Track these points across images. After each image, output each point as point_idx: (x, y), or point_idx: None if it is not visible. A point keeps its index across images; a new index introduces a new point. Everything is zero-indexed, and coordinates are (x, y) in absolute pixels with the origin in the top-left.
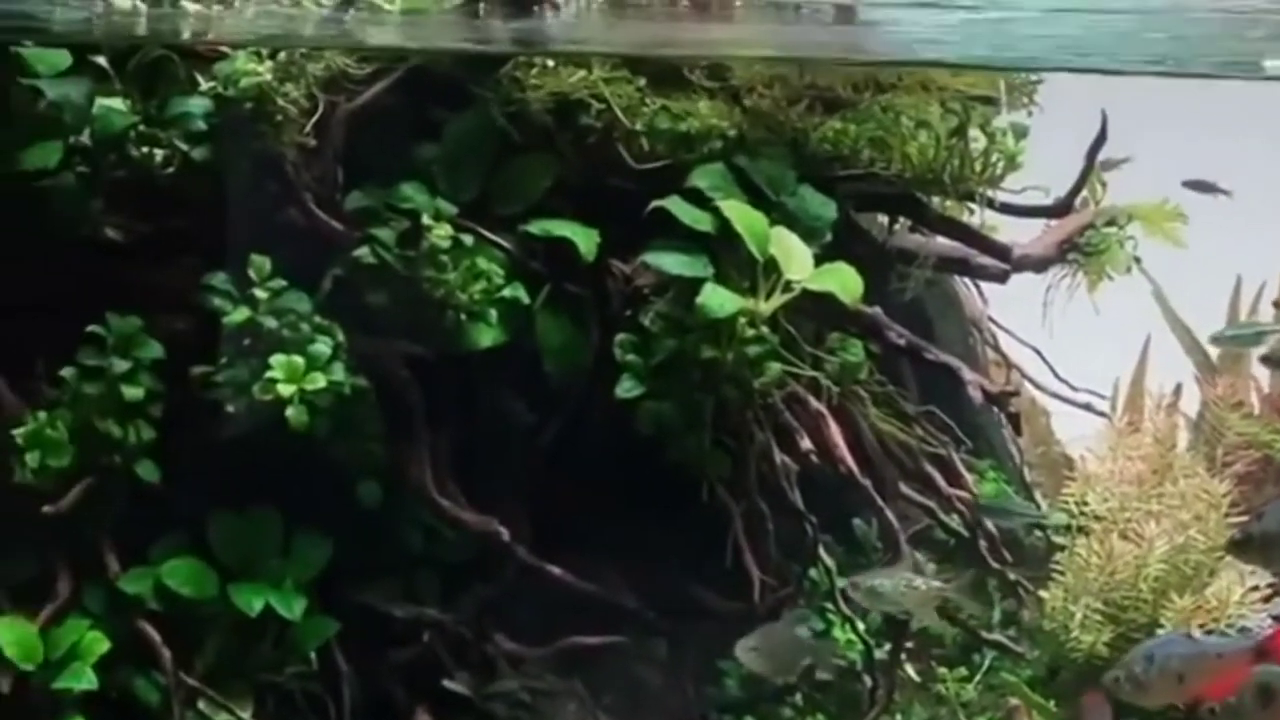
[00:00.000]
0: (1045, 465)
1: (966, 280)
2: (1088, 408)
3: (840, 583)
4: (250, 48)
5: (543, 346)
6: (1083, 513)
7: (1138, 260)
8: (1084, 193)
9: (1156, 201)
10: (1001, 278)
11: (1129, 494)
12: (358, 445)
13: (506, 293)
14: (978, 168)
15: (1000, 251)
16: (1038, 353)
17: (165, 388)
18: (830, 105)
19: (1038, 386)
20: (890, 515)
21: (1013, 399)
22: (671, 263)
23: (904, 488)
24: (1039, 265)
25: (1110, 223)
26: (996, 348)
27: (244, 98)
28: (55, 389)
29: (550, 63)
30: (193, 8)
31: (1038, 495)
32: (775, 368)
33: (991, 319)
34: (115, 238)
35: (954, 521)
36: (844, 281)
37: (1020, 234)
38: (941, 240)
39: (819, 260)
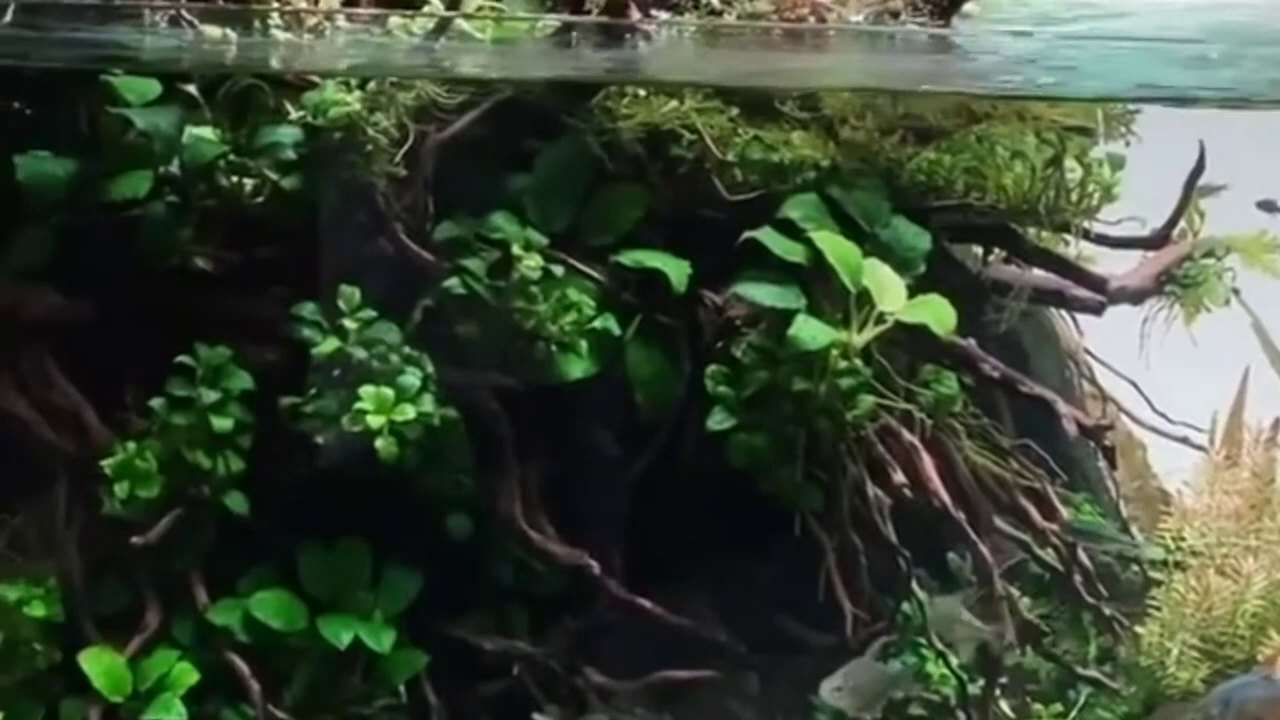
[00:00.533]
0: (1141, 499)
1: (1062, 312)
2: (1185, 441)
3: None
4: (340, 77)
5: (633, 378)
6: (1179, 548)
7: (1236, 292)
8: (1182, 224)
9: (1255, 233)
10: (1097, 310)
11: (1226, 529)
12: (447, 477)
13: (597, 324)
14: (1073, 199)
15: (1096, 283)
16: (1134, 385)
17: (254, 419)
18: (924, 135)
19: (1134, 419)
20: (984, 549)
21: (1108, 432)
22: (763, 294)
23: (998, 521)
24: (1136, 297)
25: (1208, 254)
26: (1093, 380)
27: (333, 127)
28: (144, 419)
29: (641, 92)
30: (283, 36)
31: (1134, 529)
32: (868, 400)
33: (1088, 351)
34: (205, 267)
35: (1049, 555)
36: (937, 313)
37: (1117, 265)
38: (1037, 272)
39: (913, 291)
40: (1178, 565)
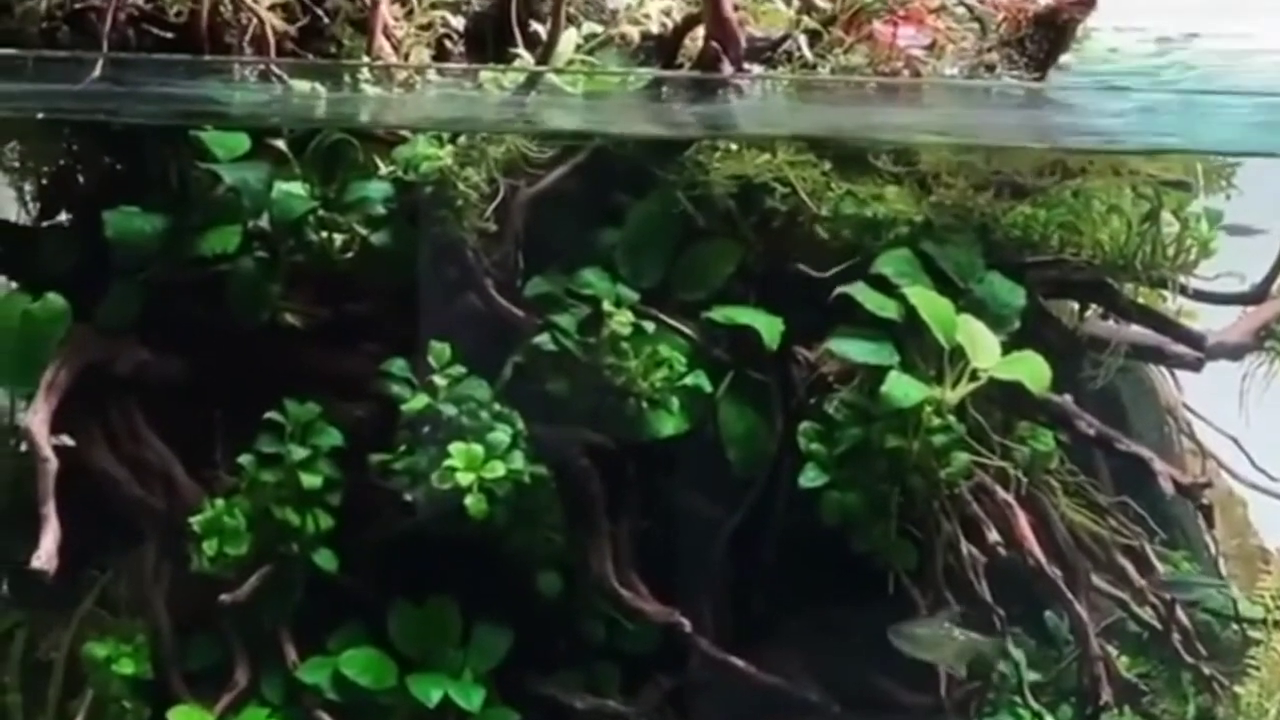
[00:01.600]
0: (1241, 557)
1: (1161, 368)
2: None
3: (1029, 676)
4: (430, 131)
5: (725, 435)
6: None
7: None
8: None
9: None
10: (1196, 366)
11: None
12: (537, 534)
13: (688, 380)
14: (1170, 254)
15: (1194, 340)
16: (1235, 442)
17: (344, 475)
18: (1018, 190)
19: (1234, 476)
20: (1079, 608)
21: (1205, 490)
22: (856, 350)
23: (1096, 579)
24: (1235, 353)
25: None
26: (1192, 436)
27: (424, 182)
28: (234, 476)
29: (733, 146)
30: (372, 91)
31: (1234, 588)
32: (962, 458)
33: (1188, 407)
34: (294, 323)
35: (1147, 614)
36: (1032, 370)
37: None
38: (1134, 328)
39: (1008, 348)
40: (1276, 625)
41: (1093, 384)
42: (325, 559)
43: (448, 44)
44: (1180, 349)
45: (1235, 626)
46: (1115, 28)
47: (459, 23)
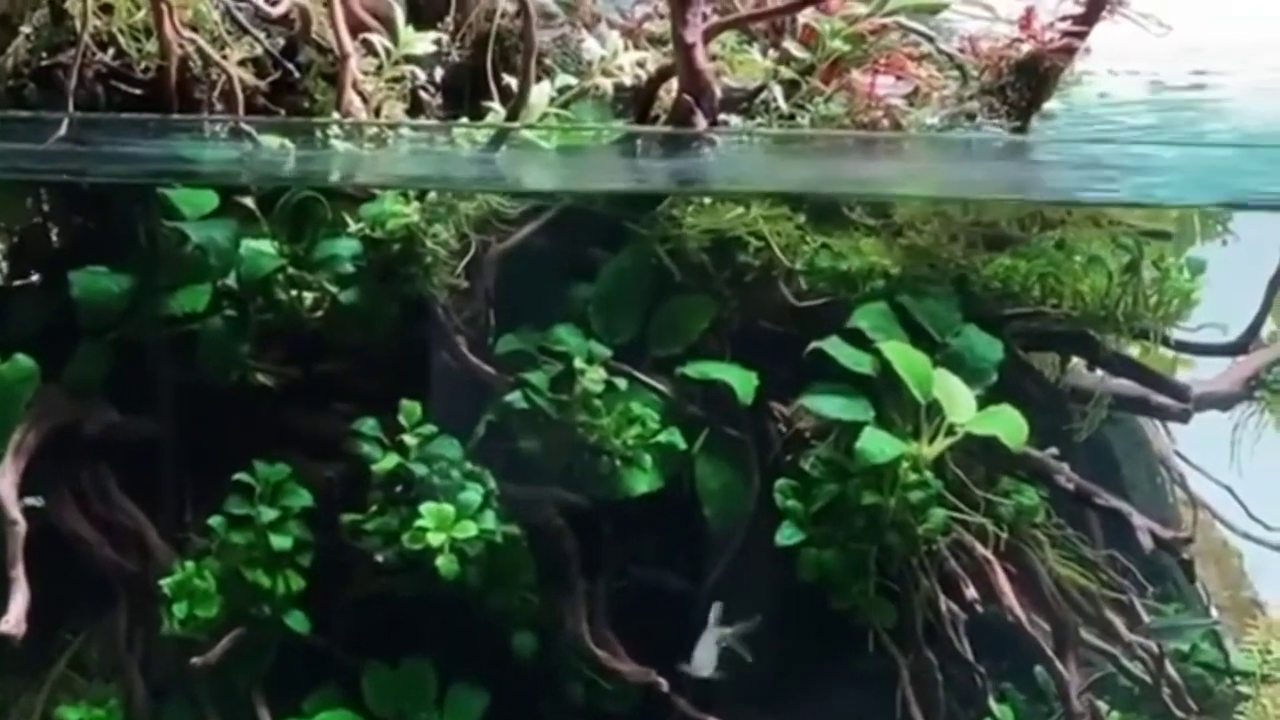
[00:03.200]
0: (1235, 609)
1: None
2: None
3: None
4: (398, 188)
5: (702, 491)
6: (1266, 660)
7: None
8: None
9: None
10: (1183, 417)
11: None
12: (512, 594)
13: (662, 438)
14: (1151, 305)
15: (1178, 391)
16: (1230, 492)
17: (316, 536)
18: (995, 242)
19: (1229, 527)
20: (1058, 665)
21: (1186, 545)
22: (831, 406)
23: (1085, 634)
24: (1224, 403)
25: None
26: (1185, 487)
27: (392, 239)
28: (204, 538)
29: (707, 200)
30: (342, 147)
31: (1228, 641)
32: (939, 514)
33: (1182, 457)
34: (265, 382)
35: (1137, 668)
36: (1008, 425)
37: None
38: (1118, 380)
39: (988, 401)
40: (1264, 679)
41: (1078, 436)
42: (297, 620)
43: (425, 96)
44: (1166, 400)
45: (1228, 679)
46: (1110, 71)
47: (437, 74)
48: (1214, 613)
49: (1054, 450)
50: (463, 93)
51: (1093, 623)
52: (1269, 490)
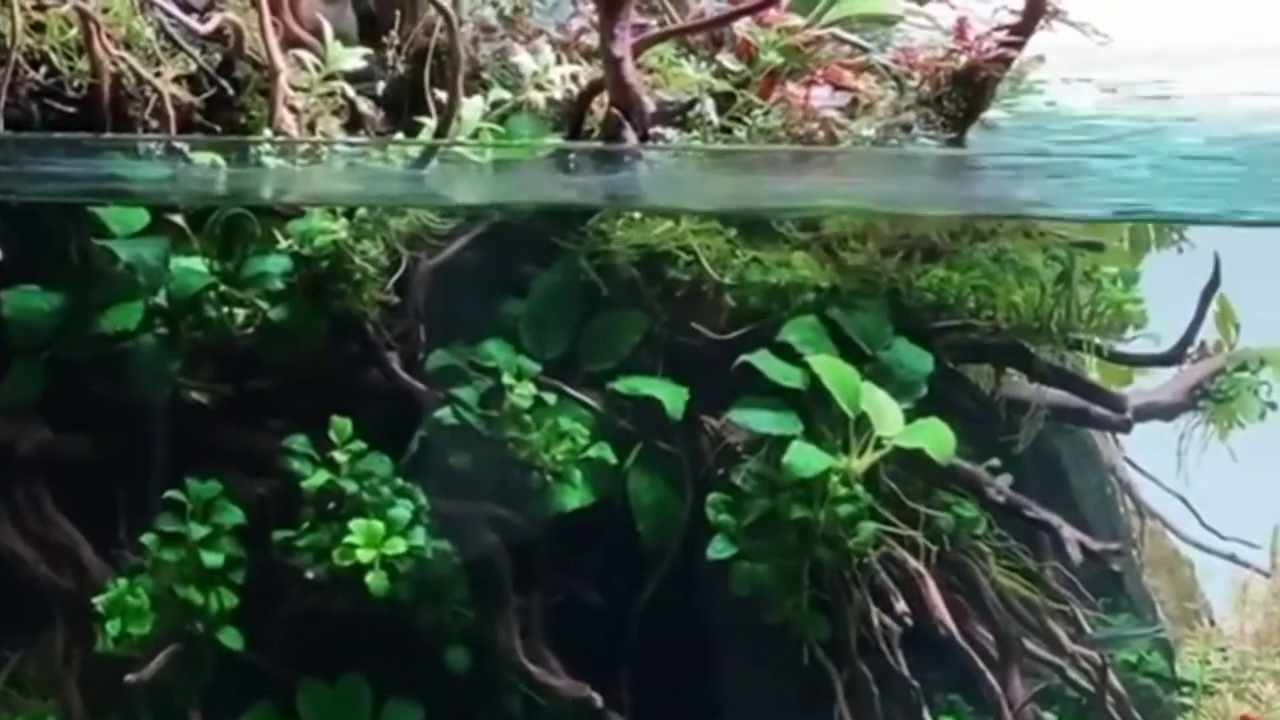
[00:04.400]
0: (1185, 618)
1: None
2: (1232, 558)
3: None
4: (326, 205)
5: (635, 506)
6: (1205, 671)
7: (1273, 406)
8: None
9: None
10: (1124, 427)
11: (1248, 652)
12: (444, 610)
13: (592, 453)
14: (1084, 316)
15: (1113, 402)
16: (1183, 501)
17: (249, 553)
18: (929, 254)
19: (1180, 536)
20: (994, 676)
21: (1118, 556)
22: (758, 420)
23: (1030, 645)
24: (1168, 413)
25: (1241, 368)
26: (1134, 497)
27: (319, 256)
28: (139, 555)
29: (637, 215)
30: (274, 164)
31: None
32: (869, 527)
33: (1136, 467)
34: (197, 400)
35: (1083, 679)
36: (935, 437)
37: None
38: (1054, 391)
39: (921, 414)
40: (1205, 689)
41: (1015, 448)
42: (231, 637)
43: (367, 110)
44: (1106, 411)
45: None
46: (1063, 79)
47: (380, 89)
48: (1165, 622)
49: (995, 462)
50: (402, 107)
51: (1037, 634)
52: (1217, 499)
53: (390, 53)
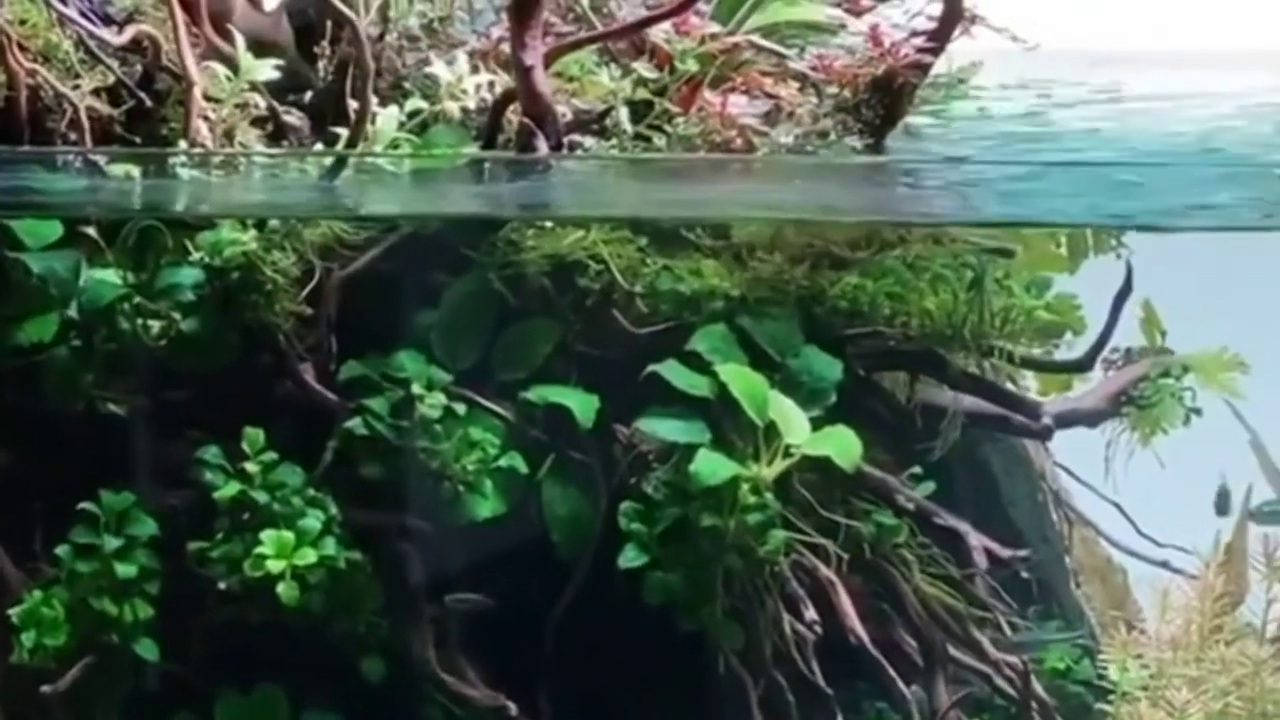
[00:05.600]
0: (1115, 625)
1: None
2: (1165, 565)
3: None
4: (236, 216)
5: (549, 516)
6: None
7: (1197, 412)
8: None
9: (1214, 350)
10: (1045, 435)
11: (1164, 659)
12: (359, 621)
13: (503, 462)
14: (996, 323)
15: (1028, 409)
16: (1118, 508)
17: (166, 564)
18: (837, 261)
19: (1113, 543)
20: (903, 688)
21: (1025, 563)
22: (666, 429)
23: (955, 653)
24: (1092, 419)
25: (1164, 374)
26: (1067, 504)
27: (229, 267)
28: (55, 566)
29: (548, 224)
30: (187, 174)
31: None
32: (778, 535)
33: (1072, 474)
34: (112, 411)
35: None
36: (841, 445)
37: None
38: (971, 399)
39: (832, 422)
40: (1123, 696)
41: (930, 456)
42: (147, 648)
43: (295, 121)
44: (1023, 419)
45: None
46: (1001, 85)
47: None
48: (1096, 629)
49: (916, 469)
50: (326, 116)
51: (961, 641)
52: (1146, 506)
53: (322, 63)
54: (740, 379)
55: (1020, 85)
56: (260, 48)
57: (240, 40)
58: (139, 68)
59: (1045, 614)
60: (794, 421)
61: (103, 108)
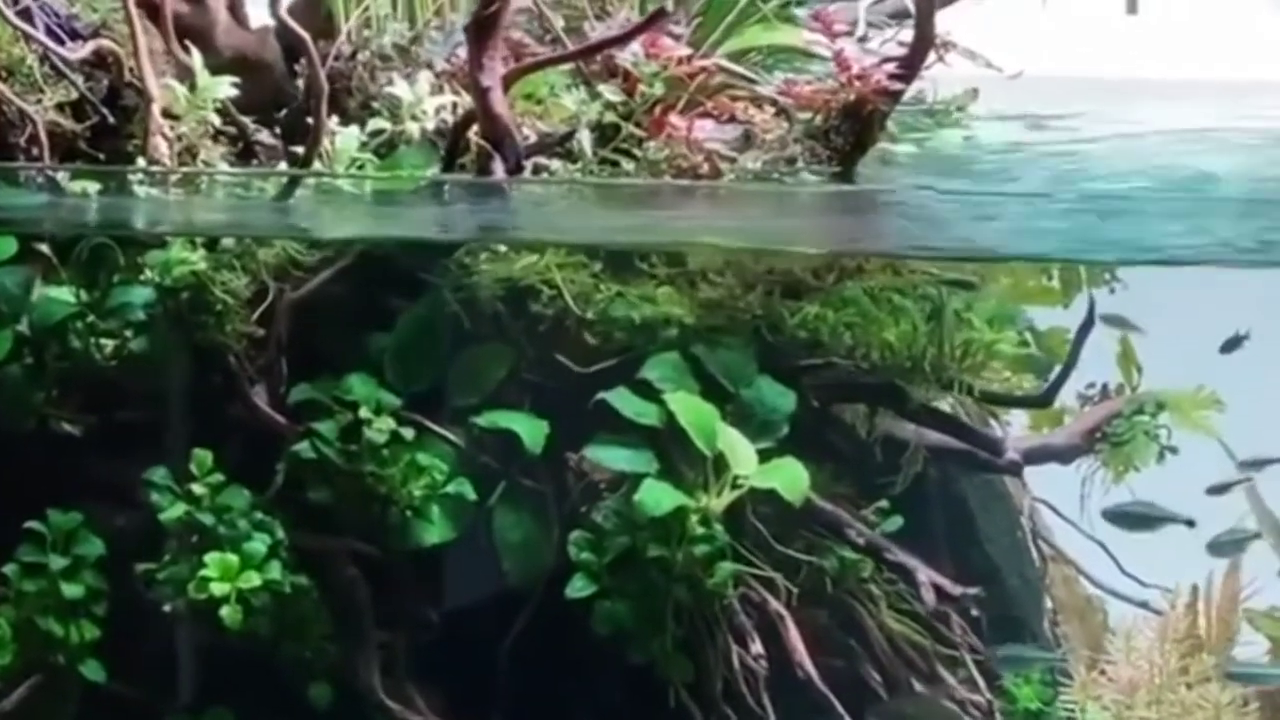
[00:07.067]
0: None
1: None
2: (1144, 605)
3: None
4: (185, 236)
5: (500, 544)
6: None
7: (1172, 450)
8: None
9: (1191, 388)
10: (1013, 470)
11: (1121, 700)
12: (306, 645)
13: (451, 488)
14: (956, 356)
15: (989, 444)
16: (1102, 546)
17: (115, 585)
18: (792, 289)
19: (1094, 583)
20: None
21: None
22: (613, 457)
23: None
24: (1065, 456)
25: (1138, 411)
26: (1049, 541)
27: (179, 287)
28: (2, 585)
29: (502, 248)
30: (144, 193)
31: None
32: (725, 568)
33: (1056, 511)
34: (63, 430)
35: None
36: (788, 478)
37: None
38: (933, 433)
39: (784, 454)
40: None
41: (891, 489)
42: (92, 669)
43: (268, 139)
44: (990, 454)
45: None
46: (999, 115)
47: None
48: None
49: (883, 503)
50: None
51: (927, 679)
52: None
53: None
54: (689, 408)
55: (1018, 115)
56: (245, 65)
57: (198, 58)
58: (105, 83)
59: (1019, 655)
60: (741, 452)
61: (67, 123)
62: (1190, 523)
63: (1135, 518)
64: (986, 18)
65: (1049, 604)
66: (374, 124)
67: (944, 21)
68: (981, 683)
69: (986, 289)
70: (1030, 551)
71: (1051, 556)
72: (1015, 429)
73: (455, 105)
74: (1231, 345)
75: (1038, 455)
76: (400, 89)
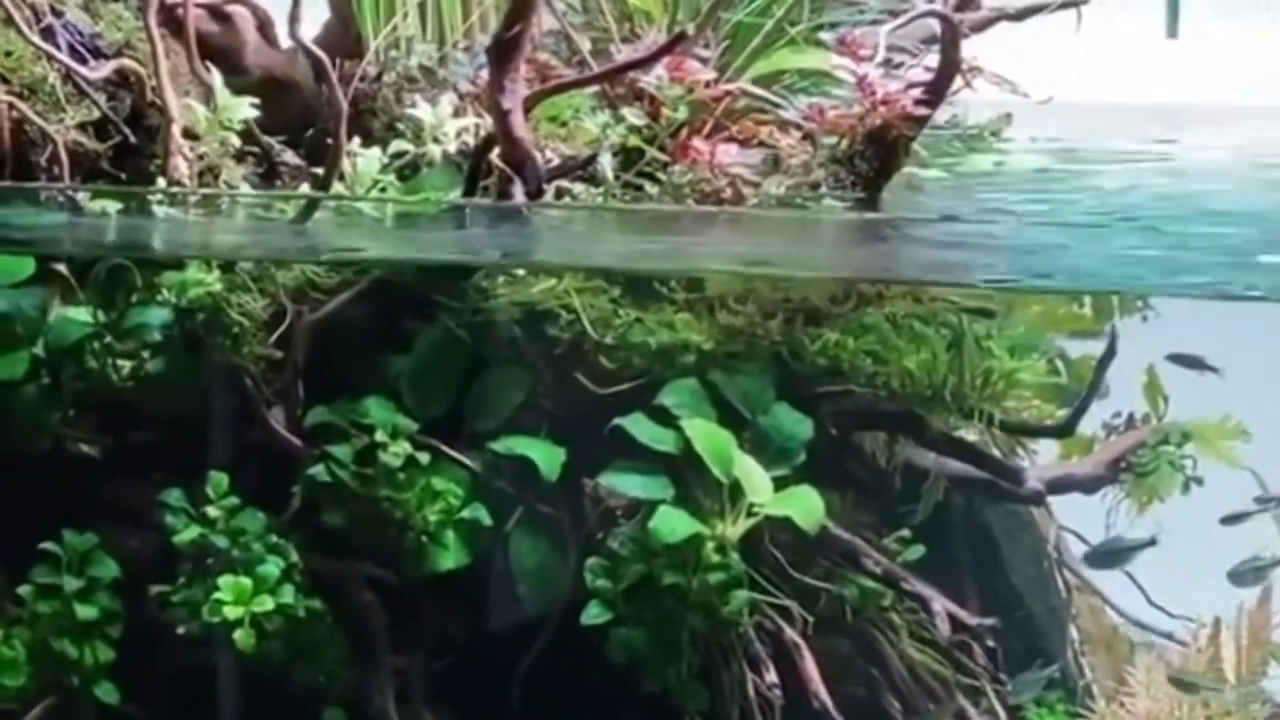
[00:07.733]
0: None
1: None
2: (1169, 637)
3: None
4: (203, 258)
5: (517, 569)
6: None
7: (1199, 481)
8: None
9: (1217, 419)
10: (1035, 499)
11: None
12: (320, 669)
13: (466, 514)
14: (977, 384)
15: (1011, 473)
16: (1130, 577)
17: (130, 607)
18: (811, 317)
19: (1120, 613)
20: None
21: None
22: (628, 484)
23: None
24: (1089, 486)
25: (1163, 441)
26: (1074, 571)
27: (195, 308)
28: (18, 606)
29: (520, 272)
30: (163, 213)
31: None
32: (741, 596)
33: (1082, 539)
34: (80, 451)
35: None
36: (803, 506)
37: None
38: (955, 463)
39: (801, 482)
40: None
41: (912, 518)
42: (106, 691)
43: (294, 160)
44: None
45: None
46: (1031, 139)
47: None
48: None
49: (904, 532)
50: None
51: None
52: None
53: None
54: (705, 435)
55: (1051, 139)
56: (274, 85)
57: (218, 77)
58: (128, 103)
59: (1046, 684)
60: (757, 480)
61: (89, 143)
62: (1152, 540)
63: (1107, 555)
64: (1019, 44)
65: (1074, 634)
66: (396, 145)
67: (976, 47)
68: (1003, 714)
69: (1012, 316)
70: (1056, 581)
71: (1077, 586)
72: (1043, 458)
73: (477, 127)
74: (1192, 363)
75: (1061, 485)
76: (422, 111)
